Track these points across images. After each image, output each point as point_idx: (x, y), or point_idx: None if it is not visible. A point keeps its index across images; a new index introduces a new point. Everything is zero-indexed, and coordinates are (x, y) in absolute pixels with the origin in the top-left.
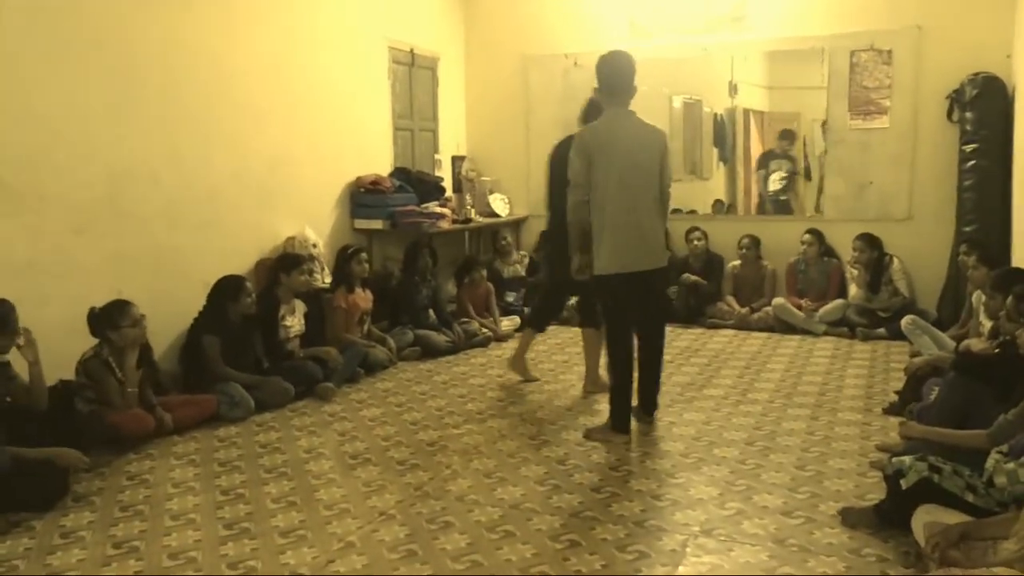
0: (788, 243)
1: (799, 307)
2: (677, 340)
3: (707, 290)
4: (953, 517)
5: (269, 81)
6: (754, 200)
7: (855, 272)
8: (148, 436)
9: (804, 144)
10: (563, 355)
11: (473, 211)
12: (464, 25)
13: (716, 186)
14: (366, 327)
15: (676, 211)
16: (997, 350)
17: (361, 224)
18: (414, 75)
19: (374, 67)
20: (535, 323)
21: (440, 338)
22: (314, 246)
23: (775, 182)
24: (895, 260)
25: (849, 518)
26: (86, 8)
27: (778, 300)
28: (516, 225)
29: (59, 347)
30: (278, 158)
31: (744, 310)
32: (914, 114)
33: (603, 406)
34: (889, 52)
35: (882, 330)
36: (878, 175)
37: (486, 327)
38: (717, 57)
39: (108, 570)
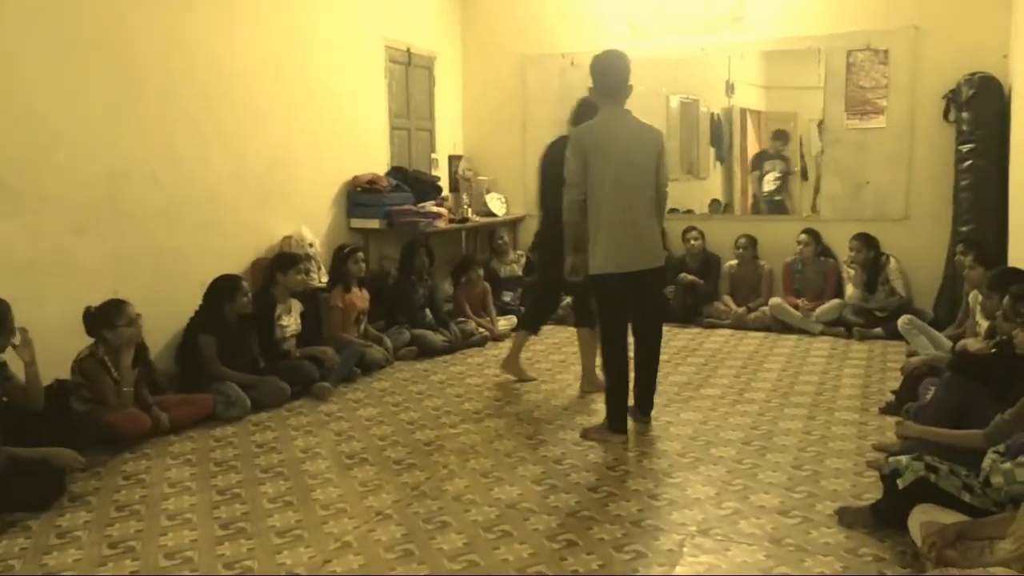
0: (785, 243)
1: (796, 307)
2: (674, 340)
3: (704, 290)
4: (950, 517)
5: (267, 81)
6: (750, 200)
7: (852, 272)
8: (144, 436)
9: (801, 144)
10: (560, 355)
11: (470, 210)
12: (461, 24)
13: (713, 186)
14: (363, 326)
15: (673, 211)
16: (993, 350)
17: (357, 223)
18: (411, 74)
19: (371, 66)
20: (528, 325)
21: (437, 338)
22: (310, 245)
23: (769, 183)
24: (892, 260)
25: (846, 518)
26: (86, 8)
27: (775, 300)
28: (513, 224)
29: (57, 347)
30: (276, 158)
31: (741, 310)
32: (911, 114)
33: (600, 406)
34: (886, 52)
35: (879, 330)
36: (875, 175)
37: (483, 327)
38: (714, 57)
39: (104, 570)
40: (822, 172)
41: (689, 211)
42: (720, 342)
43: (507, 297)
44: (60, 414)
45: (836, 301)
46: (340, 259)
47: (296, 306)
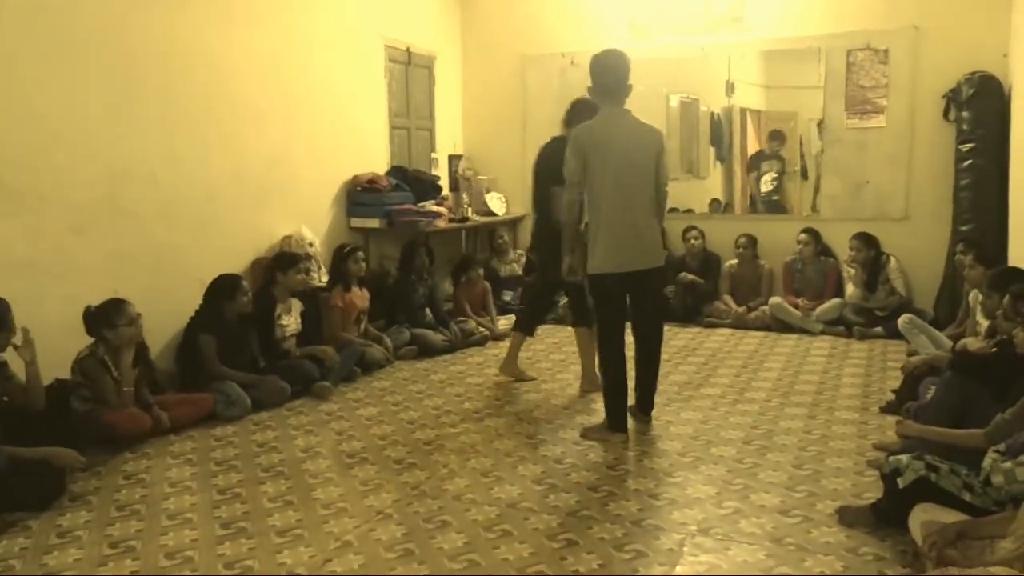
0: (785, 242)
1: (796, 306)
2: (674, 339)
3: (704, 289)
4: (950, 516)
5: (267, 81)
6: (749, 200)
7: (852, 271)
8: (144, 435)
9: (801, 143)
10: (560, 354)
11: (470, 210)
12: (461, 24)
13: (713, 185)
14: (363, 326)
15: (673, 210)
16: (994, 349)
17: (357, 223)
18: (411, 74)
19: (371, 66)
20: (524, 327)
21: (437, 337)
22: (310, 245)
23: (767, 183)
24: (892, 259)
25: (846, 517)
26: (86, 8)
27: (775, 299)
28: (513, 224)
29: (57, 346)
30: (275, 157)
31: (741, 309)
32: (911, 113)
33: (600, 405)
34: (886, 51)
35: (879, 329)
36: (875, 174)
37: (483, 326)
38: (714, 57)
39: (104, 570)
40: (822, 171)
41: (689, 210)
42: (720, 341)
43: (507, 296)
44: (60, 414)
45: (836, 300)
46: (340, 258)
47: (296, 305)
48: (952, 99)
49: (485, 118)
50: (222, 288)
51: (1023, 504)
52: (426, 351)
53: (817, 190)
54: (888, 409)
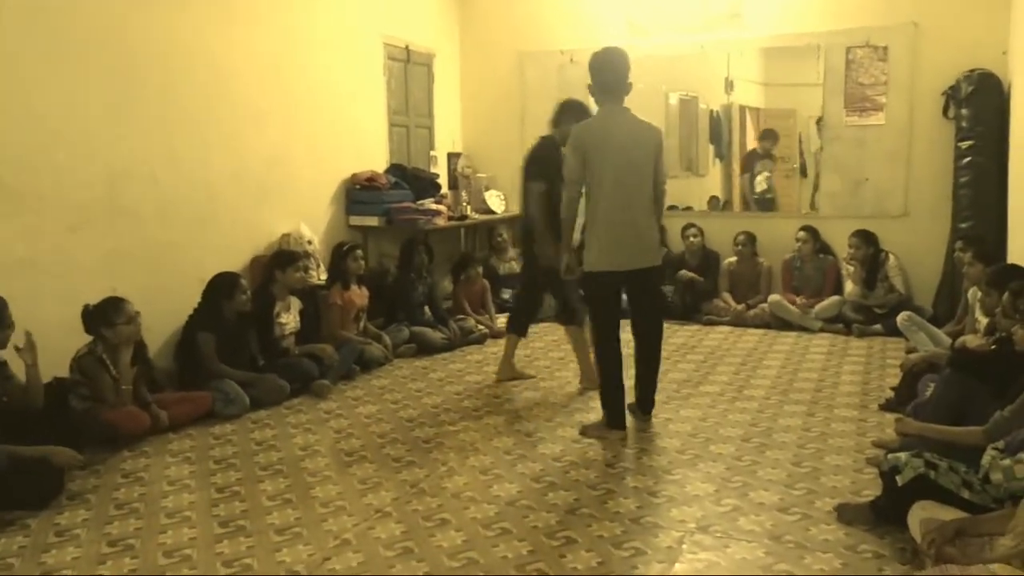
0: (784, 240)
1: (795, 304)
2: (673, 337)
3: (703, 287)
4: (949, 513)
5: (266, 80)
6: (741, 200)
7: (851, 269)
8: (143, 433)
9: (800, 141)
10: (559, 352)
11: (469, 208)
12: (460, 21)
13: (712, 183)
14: (362, 324)
15: (672, 208)
16: (993, 347)
17: (356, 221)
18: (410, 71)
19: (370, 64)
20: (515, 328)
21: (436, 335)
22: (309, 243)
23: (761, 183)
24: (891, 257)
25: (845, 514)
26: (86, 8)
27: (774, 297)
28: (512, 222)
29: (56, 345)
30: (275, 156)
31: (740, 307)
32: (910, 111)
33: (599, 402)
34: (885, 49)
35: (878, 326)
36: (874, 172)
37: (482, 324)
38: (713, 54)
39: (103, 568)
40: (821, 169)
41: (688, 208)
42: (719, 339)
43: (506, 294)
44: (59, 412)
45: (835, 298)
46: (339, 256)
47: (295, 304)
48: (951, 96)
49: (484, 116)
50: (221, 286)
51: (1022, 501)
52: (425, 349)
53: (816, 187)
54: (887, 406)
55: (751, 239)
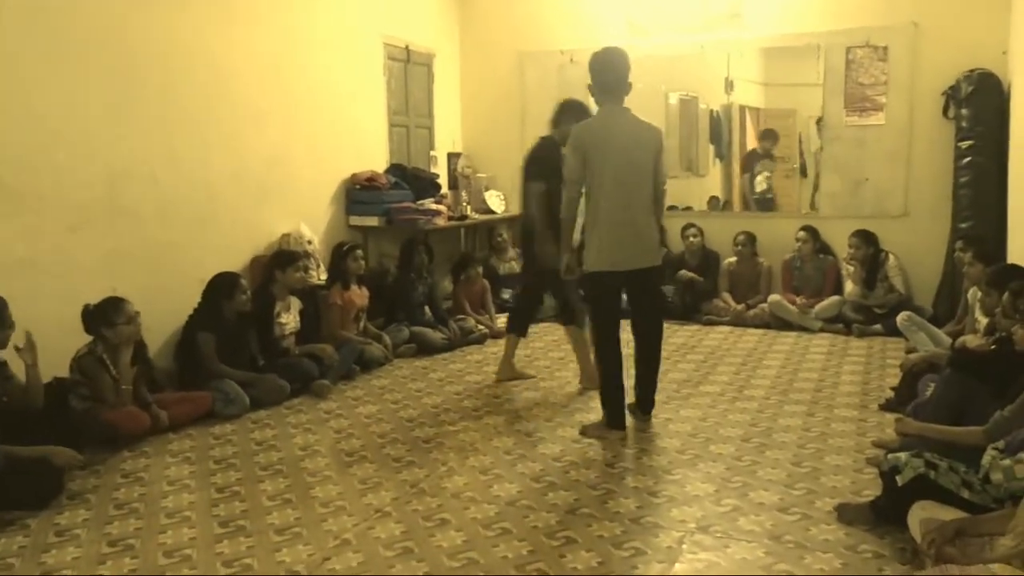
0: (784, 239)
1: (795, 304)
2: (673, 337)
3: (703, 287)
4: (949, 513)
5: (266, 80)
6: (741, 200)
7: (851, 269)
8: (143, 433)
9: (800, 141)
10: (559, 352)
11: (469, 208)
12: (460, 21)
13: (712, 183)
14: (362, 324)
15: (672, 208)
16: (993, 346)
17: (356, 221)
18: (410, 71)
19: (370, 64)
20: (515, 328)
21: (436, 335)
22: (309, 243)
23: (761, 183)
24: (891, 257)
25: (845, 514)
26: (86, 8)
27: (774, 297)
28: (512, 222)
29: (56, 345)
30: (275, 156)
31: (740, 307)
32: (910, 111)
33: (599, 402)
34: (885, 49)
35: (878, 326)
36: (874, 172)
37: (482, 324)
38: (713, 54)
39: (103, 568)
40: (821, 169)
41: (688, 208)
42: (719, 339)
43: (506, 294)
44: (59, 412)
45: (835, 298)
46: (339, 256)
47: (295, 304)
48: (951, 96)
49: (484, 116)
50: (221, 286)
51: (1022, 501)
52: (425, 349)
53: (816, 188)
54: (887, 406)
55: (751, 239)
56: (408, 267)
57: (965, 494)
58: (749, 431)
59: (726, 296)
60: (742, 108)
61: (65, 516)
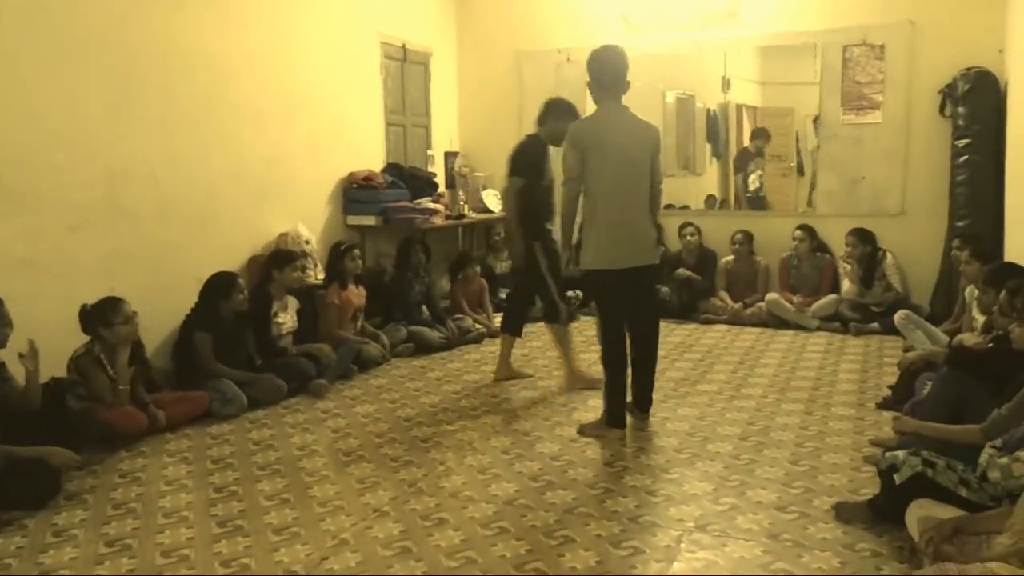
0: (781, 238)
1: (792, 302)
2: (670, 336)
3: (700, 285)
4: (947, 512)
5: (265, 80)
6: (735, 199)
7: (848, 267)
8: (141, 433)
9: (797, 139)
10: (556, 351)
11: (466, 207)
12: (456, 20)
13: (709, 181)
14: (359, 323)
15: (669, 206)
16: (990, 345)
17: (354, 220)
18: (406, 70)
19: (366, 63)
20: (509, 328)
21: (434, 334)
22: (307, 242)
23: (754, 181)
24: (888, 255)
25: (843, 513)
26: (85, 8)
27: (771, 295)
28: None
29: (54, 344)
30: (273, 155)
31: (737, 305)
32: (907, 109)
33: (596, 401)
34: (882, 47)
35: (875, 325)
36: (871, 170)
37: (480, 323)
38: (710, 53)
39: (101, 568)
40: (818, 167)
41: (685, 207)
42: (716, 338)
43: (503, 293)
44: (56, 412)
45: (832, 296)
46: (336, 256)
47: (292, 303)
48: (948, 95)
49: (481, 115)
50: (218, 286)
51: (1020, 499)
52: (423, 348)
53: (813, 186)
54: (884, 405)
55: (748, 238)
56: (405, 266)
57: (963, 492)
58: (747, 430)
59: (723, 295)
60: (739, 107)
61: (63, 516)
